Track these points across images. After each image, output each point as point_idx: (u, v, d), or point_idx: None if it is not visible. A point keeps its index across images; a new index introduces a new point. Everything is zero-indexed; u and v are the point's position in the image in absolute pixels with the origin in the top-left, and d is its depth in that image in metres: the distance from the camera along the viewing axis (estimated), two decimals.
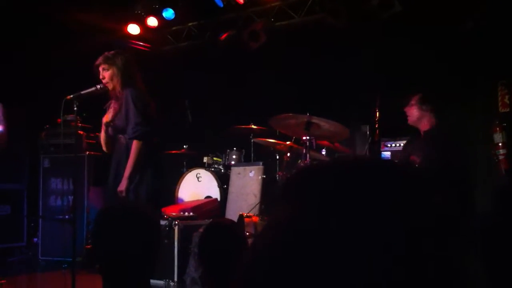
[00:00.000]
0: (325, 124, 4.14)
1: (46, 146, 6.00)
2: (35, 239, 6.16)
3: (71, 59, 5.85)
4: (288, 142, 4.85)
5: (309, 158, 4.17)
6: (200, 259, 2.31)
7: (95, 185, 5.83)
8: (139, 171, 3.93)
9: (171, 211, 4.95)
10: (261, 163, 5.61)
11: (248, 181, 5.53)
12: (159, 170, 4.10)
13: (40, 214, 5.94)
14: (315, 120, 4.08)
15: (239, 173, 5.69)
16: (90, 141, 5.92)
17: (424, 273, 0.47)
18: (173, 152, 6.33)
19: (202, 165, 6.20)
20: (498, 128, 4.91)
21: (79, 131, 5.64)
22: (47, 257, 5.75)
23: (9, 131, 4.82)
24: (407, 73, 5.29)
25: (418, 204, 0.51)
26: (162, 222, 4.40)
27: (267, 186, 5.38)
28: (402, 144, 5.03)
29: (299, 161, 4.66)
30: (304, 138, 4.16)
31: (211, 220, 3.44)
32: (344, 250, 0.47)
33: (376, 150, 4.70)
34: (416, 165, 3.91)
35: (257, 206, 5.14)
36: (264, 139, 5.21)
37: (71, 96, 3.78)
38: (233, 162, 6.07)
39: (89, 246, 5.33)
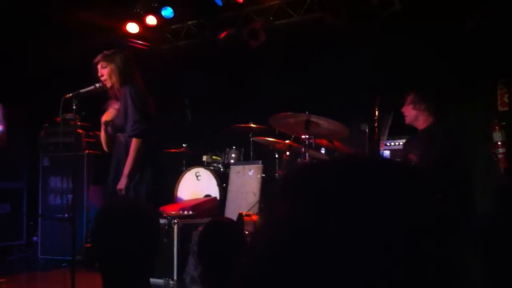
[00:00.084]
0: (324, 123, 4.14)
1: (46, 144, 6.00)
2: (35, 238, 6.17)
3: (71, 59, 5.85)
4: (287, 141, 4.85)
5: (309, 156, 4.17)
6: (199, 258, 2.32)
7: (94, 184, 5.83)
8: (139, 169, 3.91)
9: (171, 209, 4.96)
10: (260, 161, 5.61)
11: (247, 180, 5.53)
12: (159, 169, 4.09)
13: (40, 212, 5.94)
14: (314, 119, 4.07)
15: (238, 172, 5.68)
16: (90, 139, 5.92)
17: (424, 273, 0.47)
18: (173, 150, 6.32)
19: (201, 164, 6.20)
20: (497, 127, 4.91)
21: (78, 130, 5.63)
22: (46, 256, 5.75)
23: (9, 131, 4.82)
24: (406, 72, 5.28)
25: (418, 204, 0.51)
26: (162, 221, 4.40)
27: (266, 184, 5.38)
28: (402, 143, 5.04)
29: (299, 159, 4.66)
30: (303, 137, 4.17)
31: (210, 219, 3.44)
32: (344, 249, 0.47)
33: (375, 149, 4.69)
34: (413, 163, 3.91)
35: (257, 205, 5.15)
36: (263, 138, 5.20)
37: (70, 94, 3.77)
38: (232, 161, 6.06)
39: (88, 245, 5.32)
